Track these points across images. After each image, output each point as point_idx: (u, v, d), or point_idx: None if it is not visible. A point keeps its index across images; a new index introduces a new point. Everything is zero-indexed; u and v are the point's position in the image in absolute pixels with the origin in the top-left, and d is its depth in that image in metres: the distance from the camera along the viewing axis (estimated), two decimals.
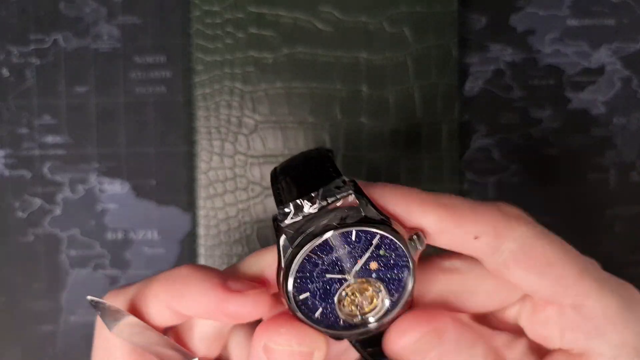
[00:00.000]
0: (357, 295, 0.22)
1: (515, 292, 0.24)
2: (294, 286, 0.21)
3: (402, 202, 0.22)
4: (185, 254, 0.36)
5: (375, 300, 0.22)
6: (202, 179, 0.34)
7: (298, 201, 0.21)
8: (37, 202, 0.36)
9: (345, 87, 0.34)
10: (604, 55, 0.35)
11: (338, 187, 0.21)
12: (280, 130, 0.34)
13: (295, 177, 0.22)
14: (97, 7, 0.36)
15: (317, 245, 0.21)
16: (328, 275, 0.21)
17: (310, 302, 0.21)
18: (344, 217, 0.21)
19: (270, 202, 0.34)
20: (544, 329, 0.23)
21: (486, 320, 0.25)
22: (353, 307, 0.22)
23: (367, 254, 0.21)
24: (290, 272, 0.21)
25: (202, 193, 0.34)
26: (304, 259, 0.21)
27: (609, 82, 0.35)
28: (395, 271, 0.21)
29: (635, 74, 0.35)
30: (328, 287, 0.21)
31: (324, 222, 0.21)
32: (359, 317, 0.22)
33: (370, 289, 0.22)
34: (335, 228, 0.20)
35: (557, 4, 0.35)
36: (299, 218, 0.21)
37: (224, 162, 0.34)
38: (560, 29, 0.35)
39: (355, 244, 0.21)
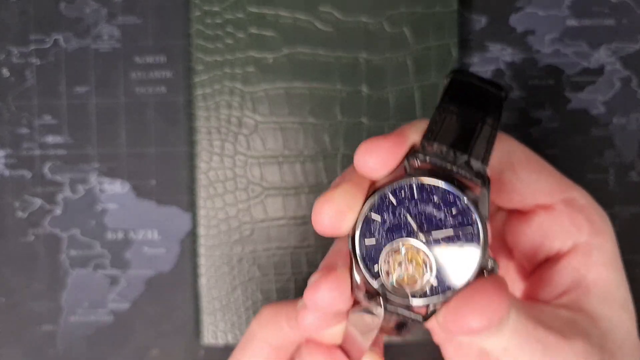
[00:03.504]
0: (407, 260, 0.21)
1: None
2: (380, 197, 0.21)
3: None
4: (186, 254, 0.36)
5: (415, 278, 0.21)
6: (202, 178, 0.34)
7: (448, 151, 0.21)
8: (38, 202, 0.36)
9: (345, 88, 0.34)
10: (603, 56, 0.35)
11: (477, 173, 0.20)
12: (280, 131, 0.34)
13: (462, 118, 0.22)
14: (97, 7, 0.36)
15: (424, 185, 0.20)
16: (407, 218, 0.20)
17: (374, 223, 0.21)
18: (465, 187, 0.20)
19: (270, 203, 0.34)
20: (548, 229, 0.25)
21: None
22: (396, 265, 0.21)
23: (451, 232, 0.20)
24: (392, 185, 0.21)
25: (202, 193, 0.34)
26: (409, 184, 0.20)
27: (609, 82, 0.35)
28: (452, 271, 0.20)
29: (634, 74, 0.35)
30: (395, 229, 0.21)
31: (449, 172, 0.21)
32: (392, 279, 0.21)
33: (421, 267, 0.21)
34: (452, 183, 0.20)
35: (557, 4, 0.35)
36: (433, 158, 0.21)
37: (224, 162, 0.34)
38: (559, 29, 0.35)
39: (451, 217, 0.20)
